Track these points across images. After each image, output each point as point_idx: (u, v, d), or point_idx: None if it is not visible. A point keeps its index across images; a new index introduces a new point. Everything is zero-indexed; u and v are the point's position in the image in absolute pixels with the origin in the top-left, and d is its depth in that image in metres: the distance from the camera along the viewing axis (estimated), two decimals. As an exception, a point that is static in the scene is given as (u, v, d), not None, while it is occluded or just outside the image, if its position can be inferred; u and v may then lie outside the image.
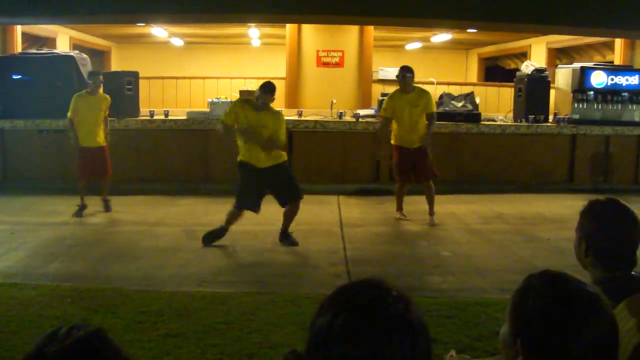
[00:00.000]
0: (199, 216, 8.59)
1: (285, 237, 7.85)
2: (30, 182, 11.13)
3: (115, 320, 5.16)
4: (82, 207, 9.29)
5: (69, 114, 9.24)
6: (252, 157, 7.60)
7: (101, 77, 9.55)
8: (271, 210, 7.91)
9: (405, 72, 8.79)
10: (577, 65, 12.44)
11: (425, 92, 9.01)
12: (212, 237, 7.66)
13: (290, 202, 7.77)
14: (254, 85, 12.39)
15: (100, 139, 9.30)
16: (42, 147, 11.26)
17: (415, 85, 9.03)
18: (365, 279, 1.44)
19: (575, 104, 11.77)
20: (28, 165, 11.31)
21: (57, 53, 11.88)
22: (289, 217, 7.85)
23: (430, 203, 8.99)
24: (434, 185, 8.97)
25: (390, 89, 12.39)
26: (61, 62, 11.36)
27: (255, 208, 7.69)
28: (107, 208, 9.50)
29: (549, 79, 12.25)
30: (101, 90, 9.54)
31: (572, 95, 11.90)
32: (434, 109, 9.16)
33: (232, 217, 7.69)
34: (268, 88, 7.58)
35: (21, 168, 11.35)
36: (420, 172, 8.97)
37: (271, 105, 7.70)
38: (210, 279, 6.49)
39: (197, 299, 5.78)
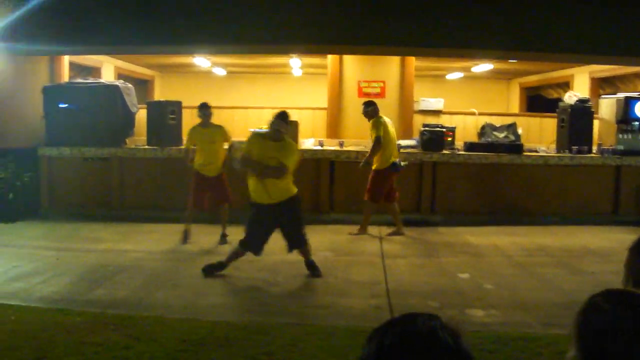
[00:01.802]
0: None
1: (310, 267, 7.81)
2: (75, 208, 11.32)
3: (157, 349, 5.18)
4: (186, 233, 9.46)
5: (185, 144, 9.86)
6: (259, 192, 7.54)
7: (210, 108, 9.66)
8: (313, 240, 7.90)
9: (365, 107, 10.15)
10: (621, 95, 12.29)
11: (371, 121, 10.02)
12: (212, 269, 7.66)
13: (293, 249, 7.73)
14: (296, 116, 12.47)
15: (217, 168, 9.50)
16: (86, 174, 11.46)
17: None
18: (415, 312, 1.44)
19: (620, 135, 11.64)
20: (73, 192, 11.52)
21: (103, 82, 12.11)
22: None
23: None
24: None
25: (432, 120, 12.43)
26: (106, 91, 11.59)
27: (259, 252, 7.64)
28: (222, 241, 9.46)
29: (593, 110, 12.13)
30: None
31: (616, 125, 11.77)
32: (374, 133, 9.89)
33: (235, 256, 7.73)
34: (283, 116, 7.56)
35: (66, 195, 11.56)
36: None
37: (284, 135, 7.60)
38: (251, 309, 6.50)
39: (239, 328, 5.78)
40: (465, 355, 1.34)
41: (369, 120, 9.99)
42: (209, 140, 9.43)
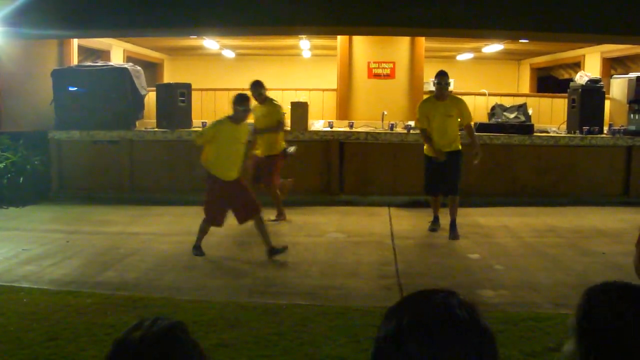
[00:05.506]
0: (251, 227, 8.59)
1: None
2: (85, 191, 11.35)
3: (168, 330, 5.18)
4: None
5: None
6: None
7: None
8: (323, 222, 7.90)
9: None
10: (633, 75, 12.19)
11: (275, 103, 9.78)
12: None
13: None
14: (305, 97, 12.44)
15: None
16: (96, 157, 11.48)
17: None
18: (431, 289, 1.42)
19: (631, 115, 11.53)
20: (83, 175, 11.55)
21: (112, 65, 12.10)
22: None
23: None
24: None
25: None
26: (115, 74, 11.58)
27: None
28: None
29: (604, 90, 12.02)
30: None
31: (627, 105, 11.67)
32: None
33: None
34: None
35: (76, 178, 11.58)
36: None
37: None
38: (261, 290, 6.52)
39: (249, 309, 5.80)
40: (483, 331, 1.32)
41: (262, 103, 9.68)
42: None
